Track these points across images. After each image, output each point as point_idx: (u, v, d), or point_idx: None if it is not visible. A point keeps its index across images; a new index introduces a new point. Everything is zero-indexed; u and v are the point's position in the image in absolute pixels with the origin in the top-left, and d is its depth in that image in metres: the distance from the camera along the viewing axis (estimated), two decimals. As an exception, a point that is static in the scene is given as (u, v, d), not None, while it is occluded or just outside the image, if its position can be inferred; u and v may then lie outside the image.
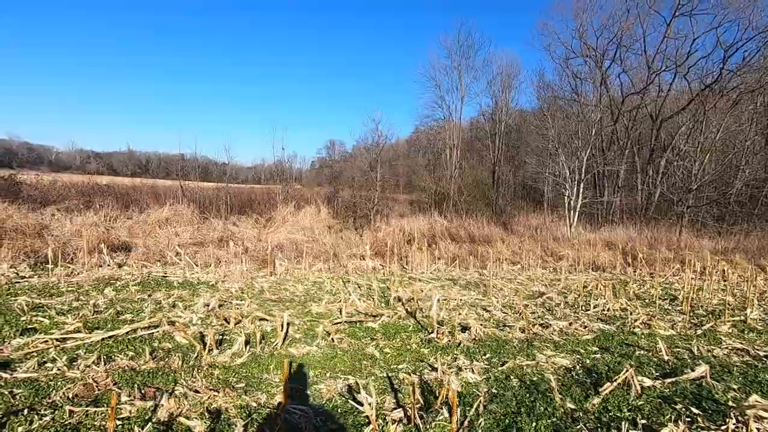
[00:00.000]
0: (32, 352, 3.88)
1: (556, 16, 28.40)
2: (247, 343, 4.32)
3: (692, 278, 9.42)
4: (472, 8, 55.79)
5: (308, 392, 3.48)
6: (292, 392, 3.42)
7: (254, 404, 3.23)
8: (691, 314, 6.49)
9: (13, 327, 4.46)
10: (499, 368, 4.12)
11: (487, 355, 4.46)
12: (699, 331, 5.64)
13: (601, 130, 21.09)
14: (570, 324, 5.57)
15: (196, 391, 3.31)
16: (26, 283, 6.48)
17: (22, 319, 4.73)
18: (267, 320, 5.10)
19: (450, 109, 27.01)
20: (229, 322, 4.96)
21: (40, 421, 2.81)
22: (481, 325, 5.34)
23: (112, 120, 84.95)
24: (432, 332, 4.98)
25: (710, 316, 6.50)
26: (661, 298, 7.62)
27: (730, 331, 5.77)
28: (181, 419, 2.90)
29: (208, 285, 7.00)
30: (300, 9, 79.22)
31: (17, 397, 3.12)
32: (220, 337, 4.50)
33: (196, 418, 2.94)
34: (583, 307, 6.60)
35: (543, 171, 22.04)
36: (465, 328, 5.17)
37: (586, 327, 5.52)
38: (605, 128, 21.51)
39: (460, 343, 4.70)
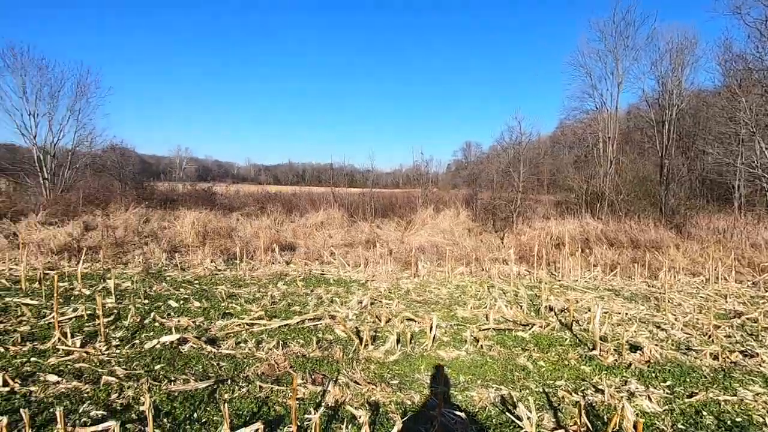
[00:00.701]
0: (230, 332, 4.73)
1: (750, -31, 22.83)
2: (398, 341, 4.52)
3: None
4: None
5: (460, 398, 3.46)
6: (444, 396, 3.45)
7: (408, 402, 3.35)
8: None
9: (217, 311, 5.51)
10: (686, 400, 3.47)
11: (668, 383, 3.80)
12: None
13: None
14: (788, 355, 4.38)
15: (357, 383, 3.59)
16: (222, 275, 7.94)
17: (222, 305, 5.81)
18: (414, 321, 5.26)
19: (603, 98, 24.00)
20: (380, 320, 5.27)
21: (239, 392, 3.39)
22: (656, 345, 4.58)
23: (276, 137, 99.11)
24: (594, 348, 4.47)
25: None
26: None
27: None
28: (347, 407, 3.16)
29: (359, 283, 7.56)
30: (431, 10, 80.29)
31: (222, 368, 3.83)
32: (374, 333, 4.81)
33: (359, 407, 3.18)
34: (806, 335, 5.13)
35: (733, 162, 17.98)
36: (635, 348, 4.50)
37: (814, 361, 4.28)
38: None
39: (630, 365, 4.11)
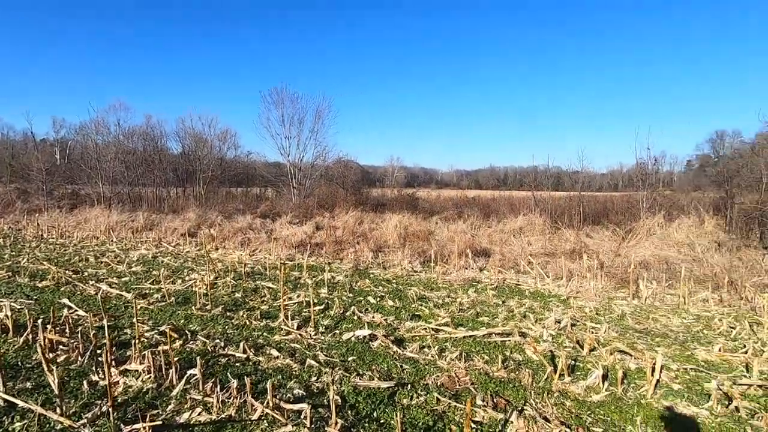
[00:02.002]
0: (416, 335, 4.79)
1: None
2: (604, 377, 3.69)
3: None
4: None
5: (697, 476, 2.52)
6: (670, 466, 2.58)
7: (615, 462, 2.63)
8: None
9: (407, 311, 5.71)
10: None
11: None
12: None
13: None
14: None
15: (546, 419, 3.05)
16: (416, 277, 8.27)
17: (413, 306, 6.00)
18: (630, 355, 4.23)
19: None
20: (582, 347, 4.45)
21: (417, 399, 3.33)
22: None
23: (479, 143, 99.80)
24: None
25: None
26: None
27: None
28: (530, 447, 2.71)
29: (559, 299, 6.68)
30: None
31: (405, 371, 3.87)
32: (573, 362, 4.07)
33: (545, 452, 2.68)
34: None
35: None
36: None
37: None
38: None
39: None
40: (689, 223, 13.52)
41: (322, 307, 5.76)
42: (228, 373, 3.67)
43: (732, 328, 5.22)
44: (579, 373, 3.89)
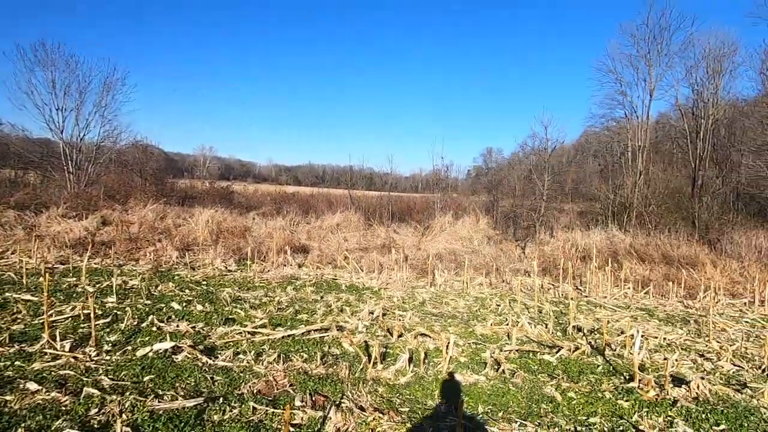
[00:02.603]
0: (230, 341, 4.40)
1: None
2: (410, 360, 4.10)
3: None
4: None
5: (478, 433, 3.02)
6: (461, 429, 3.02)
7: (419, 436, 2.93)
8: None
9: (220, 316, 5.20)
10: (747, 451, 2.94)
11: (721, 426, 3.27)
12: None
13: None
14: None
15: (362, 409, 3.19)
16: (231, 276, 7.68)
17: (226, 309, 5.51)
18: (430, 337, 4.84)
19: (634, 106, 23.03)
20: (392, 334, 4.86)
21: (230, 413, 3.03)
22: (704, 378, 4.03)
23: (297, 138, 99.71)
24: (631, 379, 3.96)
25: None
26: None
27: None
28: (348, 440, 2.78)
29: (372, 291, 7.18)
30: (448, 11, 79.70)
31: (216, 383, 3.49)
32: (384, 349, 4.41)
33: (361, 441, 2.79)
34: None
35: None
36: (680, 381, 3.97)
37: None
38: None
39: (676, 402, 3.58)
40: (469, 222, 16.49)
41: (108, 319, 4.73)
42: (-52, 427, 2.62)
43: (498, 306, 6.55)
44: (390, 359, 4.23)
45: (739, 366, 4.54)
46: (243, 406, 3.12)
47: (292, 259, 9.40)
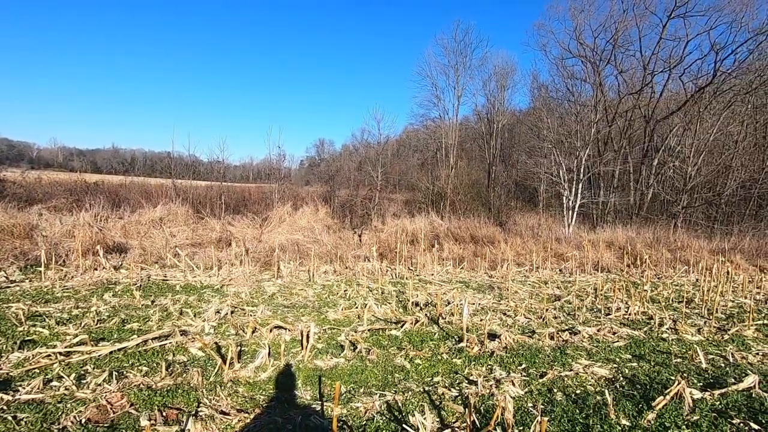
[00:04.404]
0: (34, 368, 3.52)
1: (554, 17, 28.39)
2: (269, 354, 4.01)
3: (700, 280, 9.36)
4: (470, 8, 55.87)
5: (345, 411, 3.19)
6: (328, 411, 3.14)
7: (289, 426, 2.93)
8: (711, 318, 6.37)
9: (10, 339, 4.08)
10: (540, 380, 3.89)
11: (523, 365, 4.23)
12: (726, 336, 5.50)
13: (599, 131, 21.16)
14: (598, 330, 5.37)
15: (224, 413, 3.00)
16: (18, 288, 6.05)
17: (19, 329, 4.35)
18: (285, 329, 4.79)
19: (446, 108, 26.84)
20: (245, 331, 4.64)
21: (53, 453, 2.48)
22: (508, 331, 5.11)
23: (96, 118, 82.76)
24: (461, 340, 4.73)
25: (731, 319, 6.38)
26: (676, 300, 7.51)
27: (756, 335, 5.65)
28: (215, 448, 2.59)
29: (213, 289, 6.65)
30: (292, 4, 78.31)
31: (22, 422, 2.77)
32: (239, 348, 4.18)
33: (230, 446, 2.64)
34: (604, 311, 6.42)
35: (538, 170, 22.07)
36: (494, 336, 4.93)
37: (615, 333, 5.34)
38: (602, 129, 21.58)
39: (492, 353, 4.46)
40: (309, 212, 16.64)
41: None
42: None
43: (346, 291, 6.88)
44: (247, 357, 4.05)
45: (529, 318, 5.89)
46: (70, 441, 2.58)
47: (106, 260, 7.91)
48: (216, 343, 4.29)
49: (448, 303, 6.41)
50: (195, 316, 5.11)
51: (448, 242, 12.49)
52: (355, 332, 4.87)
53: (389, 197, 24.75)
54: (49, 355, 3.72)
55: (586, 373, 4.12)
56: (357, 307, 5.88)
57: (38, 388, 3.19)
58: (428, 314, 5.75)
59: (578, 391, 3.72)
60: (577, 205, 17.89)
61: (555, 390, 3.71)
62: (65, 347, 3.88)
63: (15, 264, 7.42)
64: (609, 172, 21.87)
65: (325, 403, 3.28)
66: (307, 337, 4.20)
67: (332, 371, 3.89)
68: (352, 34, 77.96)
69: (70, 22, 75.62)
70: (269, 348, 4.11)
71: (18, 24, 71.29)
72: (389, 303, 6.21)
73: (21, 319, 4.57)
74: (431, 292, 7.04)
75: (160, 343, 4.18)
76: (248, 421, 2.94)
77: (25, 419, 2.80)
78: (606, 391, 3.51)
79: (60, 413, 2.90)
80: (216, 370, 3.68)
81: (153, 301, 5.69)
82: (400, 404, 3.31)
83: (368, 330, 4.99)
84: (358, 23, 76.31)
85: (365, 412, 3.18)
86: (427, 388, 3.63)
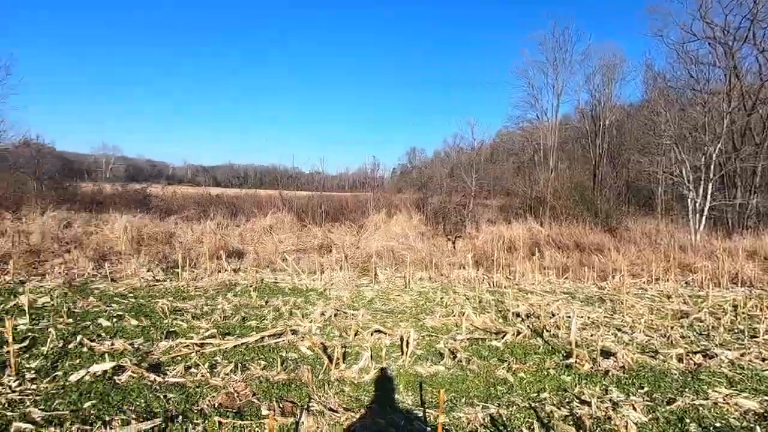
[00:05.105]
0: (177, 355, 4.10)
1: (670, -3, 25.26)
2: (371, 357, 4.16)
3: None
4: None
5: (447, 420, 3.17)
6: (431, 417, 3.15)
7: (393, 430, 3.00)
8: None
9: (159, 329, 4.81)
10: (667, 407, 3.44)
11: (645, 389, 3.79)
12: None
13: (734, 121, 18.18)
14: (742, 354, 4.59)
15: (332, 410, 3.18)
16: (162, 286, 7.11)
17: (165, 321, 5.11)
18: (385, 333, 4.93)
19: (544, 108, 25.38)
20: (348, 334, 4.88)
21: (194, 430, 2.86)
22: (625, 349, 4.61)
23: (217, 137, 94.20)
24: (569, 356, 4.40)
25: None
26: None
27: None
28: (327, 442, 2.76)
29: (317, 292, 7.09)
30: (381, 15, 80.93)
31: (170, 401, 3.25)
32: (343, 349, 4.41)
33: (340, 442, 2.79)
34: (748, 333, 5.46)
35: (655, 170, 19.65)
36: (608, 353, 4.50)
37: (765, 359, 4.51)
38: (738, 120, 18.51)
39: (607, 372, 4.07)
40: (403, 219, 16.92)
41: (24, 344, 4.15)
42: None
43: (442, 298, 6.85)
44: (350, 358, 4.25)
45: (649, 336, 5.26)
46: (207, 421, 2.96)
47: (227, 264, 8.93)
48: (322, 343, 4.57)
49: (553, 315, 6.01)
50: (303, 317, 5.51)
51: (550, 250, 11.73)
52: (454, 340, 4.82)
53: (483, 203, 24.09)
54: (188, 346, 4.31)
55: (728, 403, 3.55)
56: (454, 315, 5.81)
57: (181, 374, 3.72)
58: (531, 326, 5.45)
59: (718, 425, 3.22)
60: (706, 209, 15.52)
61: (687, 420, 3.26)
62: (200, 339, 4.47)
63: (159, 266, 8.73)
64: (749, 169, 18.65)
65: (426, 410, 3.30)
66: (407, 342, 4.27)
67: (432, 378, 3.89)
68: (442, 39, 77.87)
69: (193, 56, 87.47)
70: (371, 351, 4.26)
71: (158, 57, 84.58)
72: (488, 312, 6.03)
73: (166, 313, 5.38)
74: (533, 303, 6.67)
75: (275, 341, 4.59)
76: (354, 420, 3.07)
77: (172, 399, 3.28)
78: (757, 428, 2.98)
79: (198, 396, 3.34)
80: (324, 369, 3.92)
81: (267, 302, 6.26)
82: (504, 418, 3.19)
83: (467, 339, 4.90)
84: (447, 27, 75.97)
85: (468, 423, 3.13)
86: (533, 404, 3.45)
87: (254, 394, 3.40)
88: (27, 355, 3.94)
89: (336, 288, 7.46)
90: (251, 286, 7.18)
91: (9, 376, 3.48)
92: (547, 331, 5.33)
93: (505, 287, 7.99)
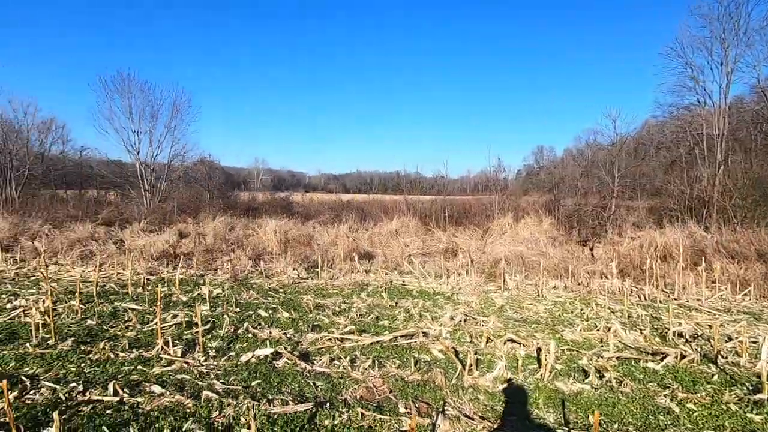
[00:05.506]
0: (322, 347, 4.52)
1: None
2: (505, 367, 4.00)
3: None
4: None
5: (597, 445, 2.87)
6: (577, 441, 2.89)
7: (534, 446, 2.84)
8: None
9: (305, 323, 5.37)
10: None
11: None
12: None
13: None
14: None
15: (468, 417, 3.15)
16: (305, 284, 7.92)
17: (310, 316, 5.68)
18: (519, 343, 4.69)
19: (708, 91, 21.26)
20: (479, 340, 4.78)
21: (340, 418, 3.10)
22: None
23: (345, 147, 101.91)
24: (758, 391, 3.60)
25: None
26: None
27: None
28: (465, 449, 2.74)
29: (444, 296, 7.11)
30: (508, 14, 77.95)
31: (319, 389, 3.59)
32: (476, 356, 4.33)
33: (478, 450, 2.74)
34: None
35: None
36: (817, 393, 3.55)
37: None
38: None
39: (818, 417, 3.21)
40: (531, 222, 15.95)
41: (207, 327, 5.03)
42: (98, 426, 2.87)
43: (582, 310, 6.24)
44: (483, 366, 4.15)
45: None
46: (351, 411, 3.18)
47: (359, 265, 9.53)
48: (454, 347, 4.55)
49: (729, 339, 5.00)
50: (432, 319, 5.57)
51: (721, 260, 9.77)
52: (600, 357, 4.34)
53: (627, 204, 21.26)
54: (330, 339, 4.72)
55: None
56: (598, 330, 5.24)
57: (326, 364, 4.08)
58: (699, 349, 4.62)
59: None
60: None
61: None
62: (340, 334, 4.86)
63: (302, 265, 9.76)
64: None
65: (571, 431, 3.03)
66: (546, 355, 3.99)
67: (576, 397, 3.56)
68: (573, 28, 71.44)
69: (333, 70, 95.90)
70: (505, 360, 4.10)
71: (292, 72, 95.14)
72: (640, 329, 5.29)
73: (310, 308, 5.98)
74: (699, 322, 5.64)
75: (407, 341, 4.73)
76: (492, 430, 2.99)
77: (320, 386, 3.62)
78: None
79: (342, 387, 3.62)
80: (457, 374, 3.90)
81: (396, 303, 6.50)
82: (670, 454, 2.76)
83: (616, 357, 4.36)
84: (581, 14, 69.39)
85: (624, 453, 2.78)
86: (709, 443, 2.91)
87: (391, 391, 3.55)
88: (209, 336, 4.76)
89: (463, 293, 7.37)
90: (381, 287, 7.53)
91: (198, 352, 4.26)
92: (722, 357, 4.45)
93: (660, 302, 6.94)
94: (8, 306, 5.69)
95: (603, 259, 10.74)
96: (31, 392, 3.34)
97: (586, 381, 3.82)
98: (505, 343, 4.64)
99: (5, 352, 4.14)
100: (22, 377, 3.57)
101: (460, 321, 5.46)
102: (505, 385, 3.72)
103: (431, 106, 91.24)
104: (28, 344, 4.32)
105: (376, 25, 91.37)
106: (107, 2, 74.06)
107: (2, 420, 2.78)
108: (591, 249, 13.10)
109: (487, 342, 4.72)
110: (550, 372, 3.92)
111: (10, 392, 3.23)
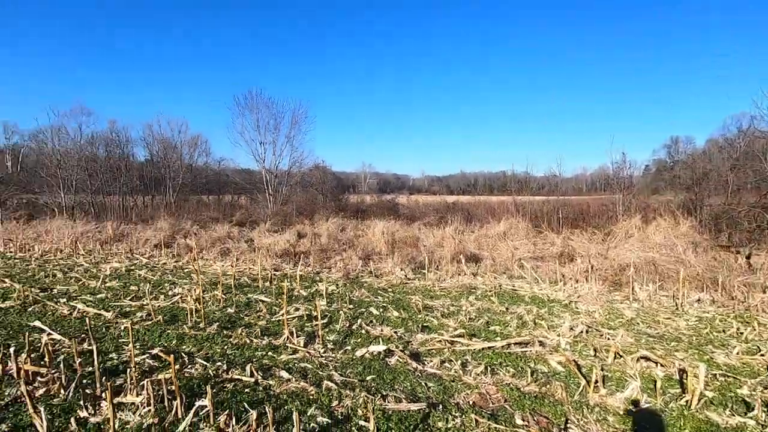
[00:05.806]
0: (432, 349, 4.53)
1: None
2: (639, 388, 3.55)
3: None
4: None
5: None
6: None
7: (681, 483, 2.46)
8: None
9: (415, 323, 5.44)
10: None
11: None
12: None
13: None
14: None
15: (596, 438, 2.86)
16: (412, 285, 8.03)
17: (419, 316, 5.74)
18: (655, 362, 4.13)
19: None
20: (605, 354, 4.32)
21: (453, 422, 3.07)
22: None
23: (448, 148, 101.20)
24: None
25: None
26: None
27: None
28: (593, 473, 2.50)
29: (560, 304, 6.59)
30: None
31: (431, 390, 3.60)
32: (602, 372, 3.92)
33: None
34: None
35: None
36: None
37: None
38: None
39: None
40: (665, 225, 13.95)
41: (324, 320, 5.41)
42: (240, 402, 3.28)
43: (738, 329, 5.25)
44: (611, 384, 3.74)
45: None
46: (464, 416, 3.13)
47: (466, 268, 9.35)
48: (575, 360, 4.19)
49: None
50: (549, 328, 5.21)
51: None
52: (767, 389, 3.60)
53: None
54: (440, 341, 4.71)
55: None
56: (762, 355, 4.36)
57: (437, 366, 4.08)
58: None
59: None
60: None
61: None
62: (450, 337, 4.82)
63: (409, 266, 9.92)
64: None
65: (731, 472, 2.56)
66: (694, 379, 3.44)
67: (735, 433, 3.00)
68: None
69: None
70: (639, 380, 3.64)
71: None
72: (826, 358, 4.26)
73: (419, 308, 6.04)
74: None
75: (521, 349, 4.49)
76: (625, 457, 2.67)
77: (432, 387, 3.63)
78: None
79: (453, 390, 3.58)
80: (580, 390, 3.58)
81: (507, 308, 6.22)
82: None
83: (791, 391, 3.58)
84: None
85: None
86: None
87: (506, 400, 3.41)
88: (327, 330, 5.11)
89: (583, 301, 6.75)
90: (490, 291, 7.29)
91: (318, 344, 4.60)
92: None
93: None
94: (170, 293, 6.82)
95: (765, 269, 8.92)
96: (189, 367, 3.95)
97: (750, 415, 3.20)
98: (637, 361, 4.12)
99: (170, 331, 4.97)
100: (182, 353, 4.24)
101: (581, 332, 5.00)
102: (638, 407, 3.30)
103: (543, 106, 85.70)
104: (185, 326, 5.13)
105: (491, 26, 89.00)
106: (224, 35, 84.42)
107: (170, 388, 3.34)
108: (748, 257, 10.97)
109: (615, 357, 4.25)
110: (699, 399, 3.37)
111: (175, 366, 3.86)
